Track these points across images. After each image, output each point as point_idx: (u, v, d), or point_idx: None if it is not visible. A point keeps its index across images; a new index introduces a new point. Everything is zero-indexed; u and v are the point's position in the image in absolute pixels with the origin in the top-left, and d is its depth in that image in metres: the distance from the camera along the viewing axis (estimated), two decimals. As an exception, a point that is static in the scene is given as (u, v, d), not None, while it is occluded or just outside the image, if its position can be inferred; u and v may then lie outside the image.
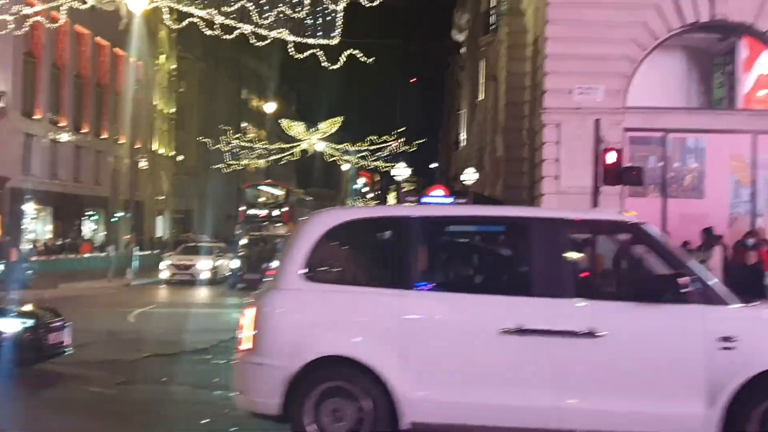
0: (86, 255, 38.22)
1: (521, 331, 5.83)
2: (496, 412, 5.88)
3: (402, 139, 54.89)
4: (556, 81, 17.38)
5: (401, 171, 31.12)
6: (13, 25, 23.51)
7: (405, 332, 5.97)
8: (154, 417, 8.21)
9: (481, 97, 34.90)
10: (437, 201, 17.61)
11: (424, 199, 18.32)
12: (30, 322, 9.98)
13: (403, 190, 41.54)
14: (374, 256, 6.78)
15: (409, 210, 7.68)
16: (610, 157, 15.13)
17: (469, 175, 28.10)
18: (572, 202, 15.63)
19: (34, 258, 29.96)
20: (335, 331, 6.07)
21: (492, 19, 30.00)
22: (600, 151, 15.40)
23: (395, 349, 5.92)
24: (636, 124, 17.38)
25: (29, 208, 41.68)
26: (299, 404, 5.97)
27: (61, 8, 22.99)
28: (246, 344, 6.24)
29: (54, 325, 10.37)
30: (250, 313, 6.28)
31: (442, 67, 64.28)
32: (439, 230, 6.86)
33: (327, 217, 6.94)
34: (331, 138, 56.06)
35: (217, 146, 56.19)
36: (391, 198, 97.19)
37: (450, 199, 18.33)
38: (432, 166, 78.28)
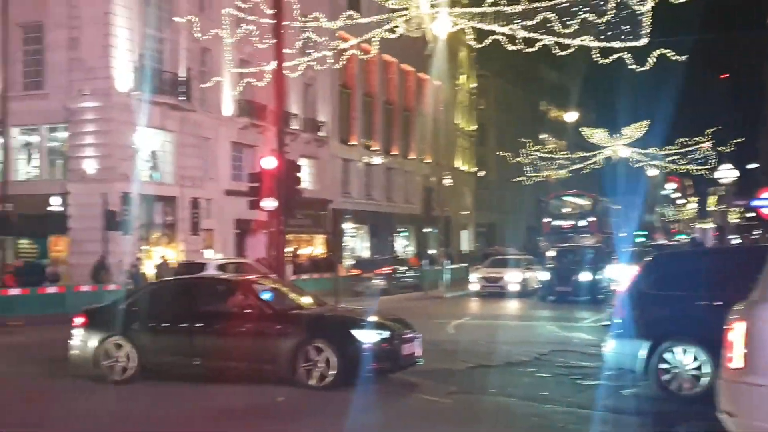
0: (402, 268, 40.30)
1: None
2: None
3: (712, 141, 50.98)
4: None
5: (727, 173, 28.55)
6: (332, 60, 25.70)
7: None
8: (493, 428, 8.31)
9: (810, 86, 31.32)
10: (773, 204, 15.98)
11: (755, 203, 16.69)
12: (386, 334, 10.44)
13: (722, 194, 38.44)
14: None
15: None
16: None
17: (810, 174, 25.05)
18: None
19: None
20: None
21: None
22: None
23: None
24: None
25: (348, 226, 45.27)
26: None
27: (372, 40, 24.60)
28: (737, 362, 5.70)
29: (407, 336, 10.78)
30: (739, 328, 5.69)
31: (758, 59, 58.92)
32: None
33: None
34: (637, 143, 53.69)
35: (517, 159, 56.62)
36: (711, 202, 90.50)
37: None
38: (750, 166, 71.77)
